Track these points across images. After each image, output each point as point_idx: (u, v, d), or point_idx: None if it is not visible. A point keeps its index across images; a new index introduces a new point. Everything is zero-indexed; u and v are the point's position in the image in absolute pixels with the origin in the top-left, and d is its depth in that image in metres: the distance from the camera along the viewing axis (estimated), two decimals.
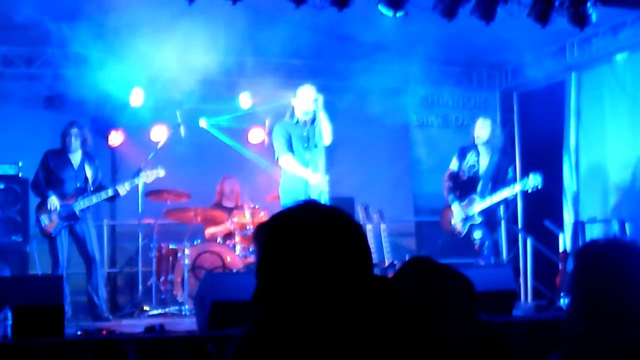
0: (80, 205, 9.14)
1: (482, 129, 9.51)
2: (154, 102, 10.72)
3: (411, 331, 2.09)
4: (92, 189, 9.32)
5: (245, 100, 11.36)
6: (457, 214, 9.50)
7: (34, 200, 9.52)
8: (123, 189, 9.32)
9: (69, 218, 9.12)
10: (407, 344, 2.08)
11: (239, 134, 11.57)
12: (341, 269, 2.14)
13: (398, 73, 12.08)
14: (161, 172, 9.63)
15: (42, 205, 9.10)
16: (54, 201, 9.02)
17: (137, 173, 9.55)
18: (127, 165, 10.64)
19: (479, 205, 9.30)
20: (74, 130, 9.31)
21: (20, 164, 9.82)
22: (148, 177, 9.57)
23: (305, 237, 2.17)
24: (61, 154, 9.30)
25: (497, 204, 9.43)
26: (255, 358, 2.12)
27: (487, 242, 9.35)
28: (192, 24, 8.99)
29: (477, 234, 9.37)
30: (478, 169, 9.46)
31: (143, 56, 9.76)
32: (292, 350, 2.09)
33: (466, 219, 9.40)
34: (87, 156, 9.42)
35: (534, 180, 9.06)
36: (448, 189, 9.63)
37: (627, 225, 9.69)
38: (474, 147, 9.57)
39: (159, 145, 10.29)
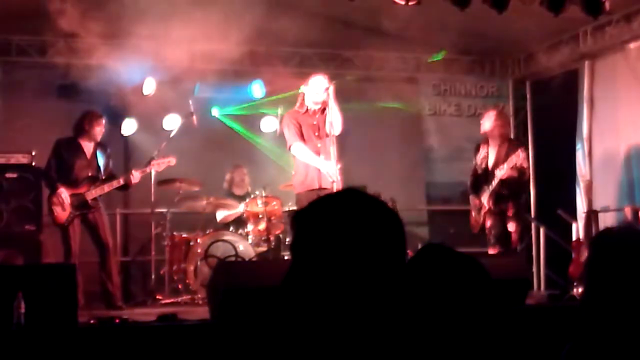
0: (92, 194, 9.18)
1: (486, 121, 9.59)
2: (167, 91, 10.73)
3: (426, 318, 2.09)
4: (103, 177, 9.35)
5: (257, 89, 11.36)
6: (473, 207, 9.61)
7: (47, 189, 9.54)
8: (134, 177, 9.35)
9: (81, 207, 9.15)
10: (423, 331, 2.08)
11: (252, 122, 11.57)
12: (377, 255, 2.14)
13: (411, 62, 12.07)
14: (172, 161, 9.66)
15: (53, 196, 9.13)
16: (63, 193, 9.06)
17: (148, 162, 9.58)
18: (140, 154, 10.65)
19: (486, 192, 9.32)
20: (104, 122, 9.46)
21: (33, 153, 9.82)
22: (159, 165, 9.60)
23: (346, 222, 2.17)
24: (73, 142, 9.33)
25: (508, 198, 9.38)
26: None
27: (493, 231, 9.37)
28: (205, 13, 8.98)
29: (488, 223, 9.40)
30: (488, 161, 9.47)
31: (156, 45, 9.76)
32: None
33: (480, 209, 9.43)
34: (100, 145, 9.46)
35: (516, 156, 9.04)
36: (469, 185, 9.75)
37: None
38: (485, 140, 9.62)
39: (172, 134, 10.29)
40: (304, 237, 2.21)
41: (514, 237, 9.40)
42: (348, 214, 2.18)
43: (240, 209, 10.20)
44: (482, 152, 9.60)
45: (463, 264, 2.20)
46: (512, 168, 9.07)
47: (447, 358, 2.09)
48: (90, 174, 9.30)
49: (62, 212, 9.09)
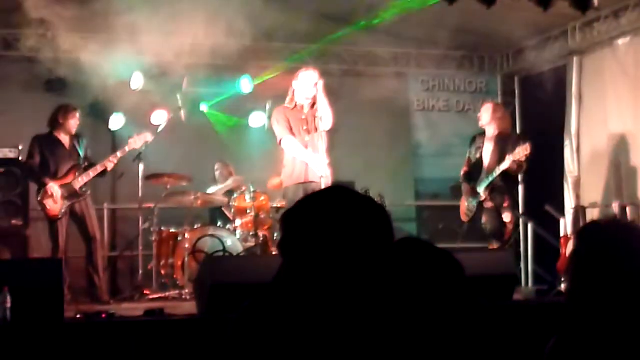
0: (79, 182, 9.22)
1: (483, 113, 9.70)
2: (155, 86, 10.70)
3: (401, 311, 2.09)
4: (86, 165, 9.39)
5: (246, 84, 11.33)
6: (465, 195, 9.73)
7: (34, 184, 9.52)
8: (116, 158, 9.39)
9: (72, 197, 9.19)
10: (399, 323, 2.08)
11: (240, 117, 11.55)
12: (365, 251, 2.14)
13: (400, 57, 12.07)
14: (148, 136, 9.67)
15: (43, 191, 9.13)
16: (52, 186, 9.08)
17: (125, 141, 9.65)
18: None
19: (484, 183, 9.36)
20: (78, 115, 9.48)
21: (20, 148, 9.80)
22: (136, 142, 9.61)
23: (333, 219, 2.17)
24: (51, 137, 9.40)
25: (504, 190, 9.43)
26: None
27: (489, 227, 9.42)
28: (194, 7, 8.96)
29: (483, 218, 9.45)
30: (483, 152, 9.52)
31: (144, 39, 9.72)
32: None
33: (474, 198, 9.57)
34: (76, 137, 9.55)
35: (524, 149, 9.06)
36: (463, 175, 9.84)
37: (628, 209, 9.68)
38: (481, 132, 9.73)
39: (160, 129, 10.26)
40: (292, 236, 2.21)
41: (509, 227, 9.53)
42: (335, 211, 2.18)
43: (229, 181, 10.24)
44: (478, 142, 9.70)
45: (436, 258, 2.20)
46: (514, 161, 9.13)
47: (420, 351, 2.08)
48: (72, 164, 9.33)
49: (54, 205, 9.10)
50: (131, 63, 10.44)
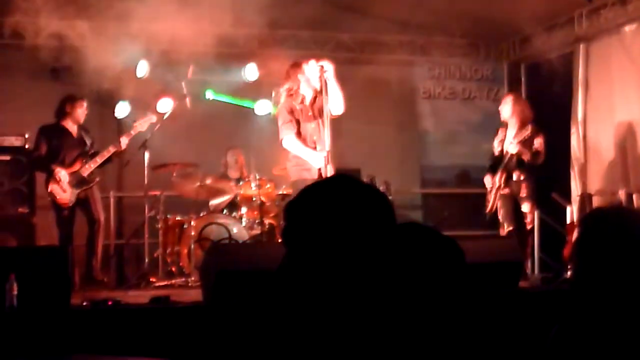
0: (87, 169, 9.28)
1: (504, 105, 9.76)
2: (160, 73, 10.70)
3: (400, 297, 2.09)
4: (92, 152, 9.50)
5: (252, 71, 11.32)
6: (488, 185, 9.73)
7: (41, 173, 9.54)
8: (123, 143, 9.45)
9: (80, 184, 9.25)
10: (399, 310, 2.09)
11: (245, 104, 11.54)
12: (368, 240, 2.15)
13: (405, 45, 12.04)
14: (153, 118, 9.73)
15: (52, 179, 9.16)
16: (61, 172, 9.12)
17: (130, 125, 9.72)
18: (133, 136, 10.61)
19: (500, 171, 9.46)
20: (86, 104, 9.57)
21: (26, 136, 9.81)
22: (142, 125, 9.68)
23: (334, 207, 2.18)
24: (58, 126, 9.45)
25: (522, 180, 9.45)
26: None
27: (502, 211, 9.48)
28: None
29: (499, 202, 9.56)
30: (504, 144, 9.60)
31: (149, 27, 9.72)
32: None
33: (491, 188, 9.63)
34: (82, 127, 9.63)
35: (526, 130, 9.24)
36: (489, 167, 9.84)
37: (634, 197, 9.66)
38: (504, 125, 9.77)
39: (165, 117, 10.26)
40: (294, 226, 2.22)
41: (530, 217, 9.59)
42: (336, 200, 2.19)
43: (230, 195, 10.21)
44: (500, 135, 9.73)
45: (436, 244, 2.19)
46: (524, 147, 9.16)
47: (419, 338, 2.09)
48: (79, 152, 9.39)
49: (63, 193, 9.14)
50: (137, 51, 10.44)
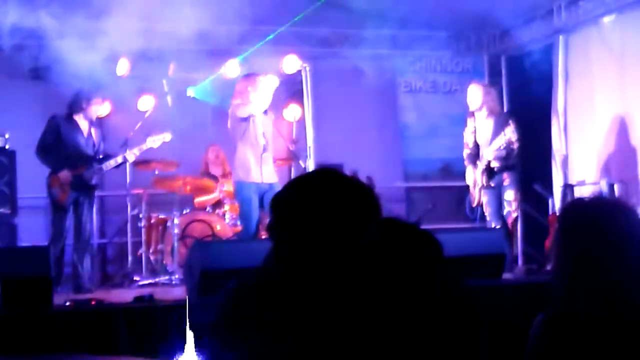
0: (91, 173, 9.10)
1: (473, 96, 9.62)
2: (140, 71, 10.65)
3: (379, 290, 2.10)
4: (100, 157, 9.31)
5: (232, 68, 11.29)
6: (470, 180, 9.65)
7: (22, 172, 9.48)
8: (132, 155, 9.35)
9: (80, 188, 9.06)
10: (376, 303, 2.09)
11: (227, 102, 11.51)
12: (353, 233, 2.16)
13: (385, 39, 12.04)
14: (167, 137, 9.65)
15: (54, 177, 9.01)
16: (65, 174, 8.96)
17: (144, 138, 9.57)
18: (115, 135, 10.55)
19: (479, 168, 9.39)
20: (98, 100, 9.43)
21: (7, 136, 9.73)
22: (155, 142, 9.59)
23: (321, 201, 2.18)
24: (70, 119, 9.24)
25: (502, 168, 9.42)
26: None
27: (489, 209, 9.45)
28: None
29: (484, 199, 9.48)
30: (476, 135, 9.54)
31: (129, 25, 9.68)
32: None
33: (475, 184, 9.57)
34: (94, 125, 9.40)
35: (511, 131, 9.14)
36: (466, 157, 9.76)
37: (615, 187, 9.70)
38: (471, 113, 9.68)
39: (146, 115, 10.23)
40: (280, 220, 2.23)
41: (514, 205, 9.47)
42: (323, 194, 2.20)
43: (215, 193, 10.20)
44: (470, 126, 9.67)
45: (414, 238, 2.20)
46: (499, 146, 9.13)
47: (398, 332, 2.09)
48: (87, 153, 9.23)
49: (62, 193, 8.99)
50: (117, 49, 10.39)
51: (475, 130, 9.59)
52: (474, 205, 9.68)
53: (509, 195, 9.40)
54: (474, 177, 9.58)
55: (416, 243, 2.15)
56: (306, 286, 2.17)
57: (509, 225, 9.42)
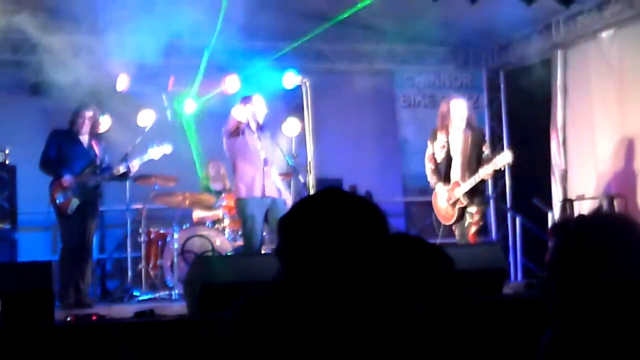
0: (92, 181, 9.08)
1: (458, 110, 9.13)
2: (140, 86, 10.67)
3: (389, 307, 2.11)
4: (102, 167, 9.29)
5: (232, 83, 11.30)
6: (442, 197, 9.19)
7: (22, 188, 9.50)
8: (134, 166, 9.32)
9: (83, 195, 9.02)
10: (385, 320, 2.10)
11: (226, 117, 11.52)
12: (363, 253, 2.17)
13: (384, 54, 12.08)
14: (168, 149, 9.61)
15: (57, 184, 8.98)
16: (68, 179, 8.93)
17: (144, 149, 9.54)
18: (115, 150, 10.56)
19: (462, 188, 9.02)
20: (89, 113, 9.30)
21: (7, 152, 9.76)
22: (156, 153, 9.56)
23: (330, 222, 2.19)
24: (69, 133, 9.23)
25: (483, 184, 9.26)
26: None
27: (474, 227, 9.21)
28: (179, 8, 8.95)
29: (468, 216, 9.15)
30: (448, 149, 9.13)
31: (129, 40, 9.71)
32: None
33: (454, 202, 9.07)
34: (95, 136, 9.38)
35: (505, 157, 8.68)
36: (430, 171, 9.29)
37: (615, 202, 9.72)
38: (443, 127, 9.20)
39: (146, 130, 10.24)
40: (289, 241, 2.23)
41: (476, 218, 8.99)
42: (332, 215, 2.21)
43: (218, 211, 10.20)
44: (441, 140, 9.16)
45: (427, 254, 2.21)
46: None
47: (413, 347, 2.10)
48: (88, 163, 9.21)
49: (65, 200, 8.94)
50: (116, 65, 10.42)
51: (446, 147, 9.15)
52: (449, 223, 9.19)
53: (472, 208, 9.03)
54: (447, 194, 9.10)
55: (430, 258, 2.17)
56: (319, 304, 2.18)
57: (470, 239, 8.99)
